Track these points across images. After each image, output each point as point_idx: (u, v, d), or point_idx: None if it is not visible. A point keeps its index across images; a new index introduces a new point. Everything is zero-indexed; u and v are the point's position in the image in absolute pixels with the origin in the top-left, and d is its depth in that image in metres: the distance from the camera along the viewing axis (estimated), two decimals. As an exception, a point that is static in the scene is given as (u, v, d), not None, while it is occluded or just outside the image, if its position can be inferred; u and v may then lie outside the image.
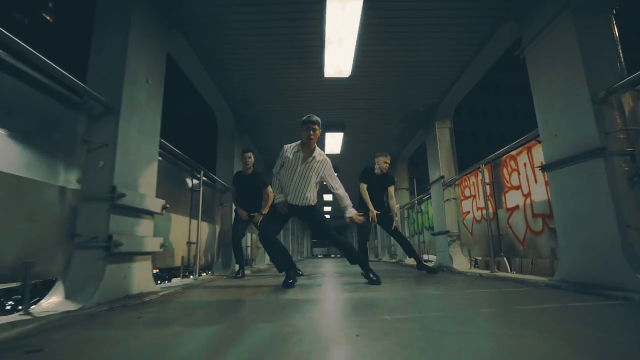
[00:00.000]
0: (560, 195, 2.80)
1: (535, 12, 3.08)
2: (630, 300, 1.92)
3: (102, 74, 2.61)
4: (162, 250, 2.84)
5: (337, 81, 4.82)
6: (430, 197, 6.79)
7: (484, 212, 4.39)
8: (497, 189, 4.16)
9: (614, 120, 2.39)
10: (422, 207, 7.24)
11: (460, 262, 5.09)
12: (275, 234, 3.14)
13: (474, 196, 4.78)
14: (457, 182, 5.38)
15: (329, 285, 3.31)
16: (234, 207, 4.62)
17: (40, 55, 1.84)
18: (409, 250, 4.66)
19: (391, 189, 4.60)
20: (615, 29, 2.58)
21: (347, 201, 3.29)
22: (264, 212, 4.32)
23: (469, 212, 4.98)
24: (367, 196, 4.43)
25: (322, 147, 7.48)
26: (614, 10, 2.60)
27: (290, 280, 3.08)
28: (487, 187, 4.25)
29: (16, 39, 1.69)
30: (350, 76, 4.51)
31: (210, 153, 6.13)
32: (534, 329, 1.35)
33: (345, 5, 3.18)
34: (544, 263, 5.17)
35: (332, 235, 3.21)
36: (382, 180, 4.56)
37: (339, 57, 4.12)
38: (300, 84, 5.04)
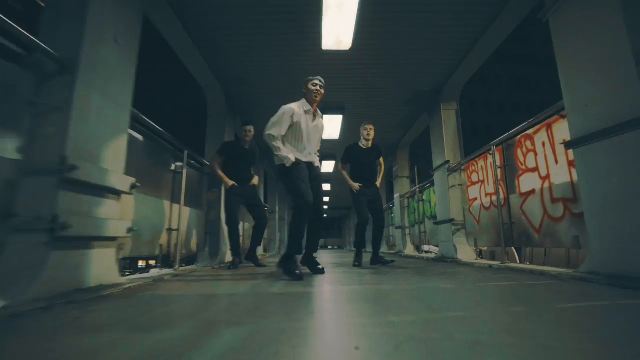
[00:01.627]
0: (590, 176, 2.42)
1: (563, -35, 2.67)
2: (692, 298, 1.56)
3: (57, 27, 2.20)
4: (129, 235, 2.45)
5: (336, 55, 4.40)
6: (433, 185, 6.44)
7: (494, 198, 4.03)
8: (510, 172, 3.79)
9: (664, 83, 2.01)
10: (425, 195, 6.87)
11: (466, 253, 4.75)
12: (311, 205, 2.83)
13: (483, 181, 4.41)
14: (463, 167, 5.01)
15: (323, 277, 2.95)
16: (223, 187, 4.24)
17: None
18: (378, 237, 4.25)
19: (381, 160, 4.41)
20: (663, -23, 2.18)
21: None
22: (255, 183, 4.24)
23: (475, 198, 4.61)
24: (345, 174, 4.29)
25: (319, 131, 7.08)
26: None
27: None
28: (498, 170, 3.88)
29: None
30: (350, 49, 4.10)
31: (199, 135, 5.70)
32: (601, 339, 0.99)
33: (344, -44, 2.76)
34: (558, 253, 4.83)
35: (319, 209, 3.03)
36: (370, 154, 4.27)
37: (338, 26, 3.70)
38: (297, 59, 4.61)
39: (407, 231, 7.94)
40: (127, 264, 15.85)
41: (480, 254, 6.64)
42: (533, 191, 3.36)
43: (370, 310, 1.45)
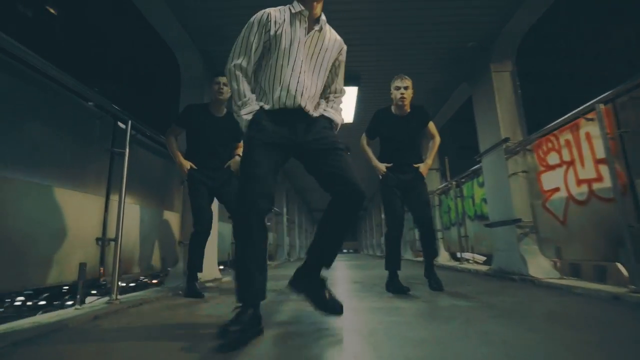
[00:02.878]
0: None
1: None
2: None
3: None
4: None
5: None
6: (475, 176, 5.01)
7: (598, 185, 2.62)
8: (634, 143, 2.37)
9: None
10: (465, 189, 5.44)
11: (540, 267, 3.31)
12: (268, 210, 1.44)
13: (571, 163, 2.99)
14: (530, 147, 3.59)
15: (338, 322, 1.59)
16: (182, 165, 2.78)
17: None
18: (431, 242, 2.81)
19: (431, 127, 2.90)
20: None
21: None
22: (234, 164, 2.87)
23: (557, 189, 3.19)
24: (369, 152, 2.90)
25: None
26: None
27: None
28: (609, 141, 2.46)
29: None
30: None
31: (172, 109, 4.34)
32: None
33: None
34: None
35: (351, 194, 1.49)
36: (409, 122, 2.81)
37: None
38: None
39: (440, 235, 6.50)
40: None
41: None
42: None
43: None
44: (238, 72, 1.54)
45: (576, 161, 2.92)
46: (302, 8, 1.56)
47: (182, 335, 1.51)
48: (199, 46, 3.95)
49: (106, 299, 2.39)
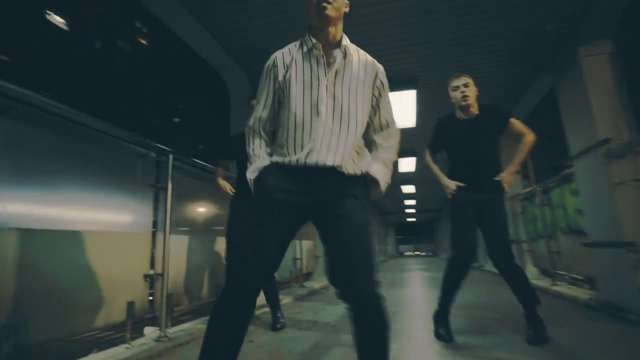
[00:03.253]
0: None
1: None
2: None
3: None
4: None
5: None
6: (567, 181, 4.20)
7: None
8: None
9: None
10: (554, 196, 4.60)
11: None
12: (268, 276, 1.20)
13: None
14: (642, 148, 2.81)
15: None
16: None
17: None
18: (517, 285, 2.21)
19: (515, 124, 2.33)
20: None
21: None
22: None
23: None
24: (435, 168, 2.45)
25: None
26: None
27: None
28: None
29: None
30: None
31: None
32: None
33: None
34: None
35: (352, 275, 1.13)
36: (479, 126, 2.31)
37: None
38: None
39: (525, 246, 5.63)
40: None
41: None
42: None
43: None
44: (249, 134, 1.36)
45: None
46: (315, 41, 1.25)
47: None
48: (243, 66, 3.93)
49: (156, 334, 2.41)
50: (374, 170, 1.28)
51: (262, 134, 1.35)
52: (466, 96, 2.29)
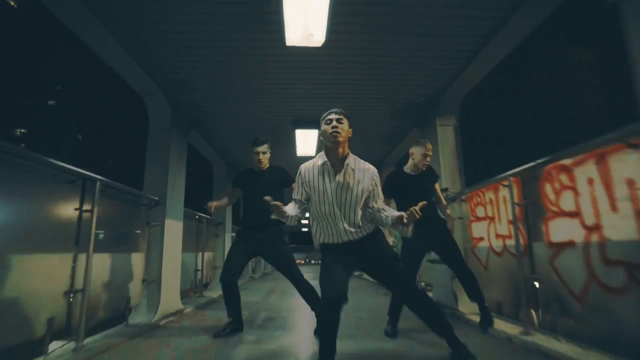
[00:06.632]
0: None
1: None
2: None
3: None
4: None
5: (305, 53, 3.42)
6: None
7: (509, 242, 3.13)
8: (534, 212, 2.89)
9: None
10: (415, 222, 5.96)
11: (468, 304, 3.81)
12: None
13: (492, 218, 3.51)
14: (464, 197, 4.11)
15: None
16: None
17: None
18: (473, 287, 3.01)
19: (437, 187, 3.24)
20: None
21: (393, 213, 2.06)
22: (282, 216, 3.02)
23: (482, 238, 3.71)
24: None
25: (292, 148, 6.10)
26: None
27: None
28: (516, 208, 2.98)
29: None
30: (323, 45, 3.12)
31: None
32: None
33: None
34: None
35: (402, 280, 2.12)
36: (423, 180, 3.10)
37: (306, 14, 2.74)
38: (255, 59, 3.63)
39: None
40: None
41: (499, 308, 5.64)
42: (571, 243, 2.46)
43: None
44: (288, 214, 2.02)
45: (496, 218, 3.44)
46: (326, 159, 1.95)
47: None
48: (167, 95, 4.16)
49: (72, 345, 2.59)
50: (396, 214, 1.95)
51: (296, 205, 2.09)
52: (424, 163, 3.07)
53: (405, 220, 1.86)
